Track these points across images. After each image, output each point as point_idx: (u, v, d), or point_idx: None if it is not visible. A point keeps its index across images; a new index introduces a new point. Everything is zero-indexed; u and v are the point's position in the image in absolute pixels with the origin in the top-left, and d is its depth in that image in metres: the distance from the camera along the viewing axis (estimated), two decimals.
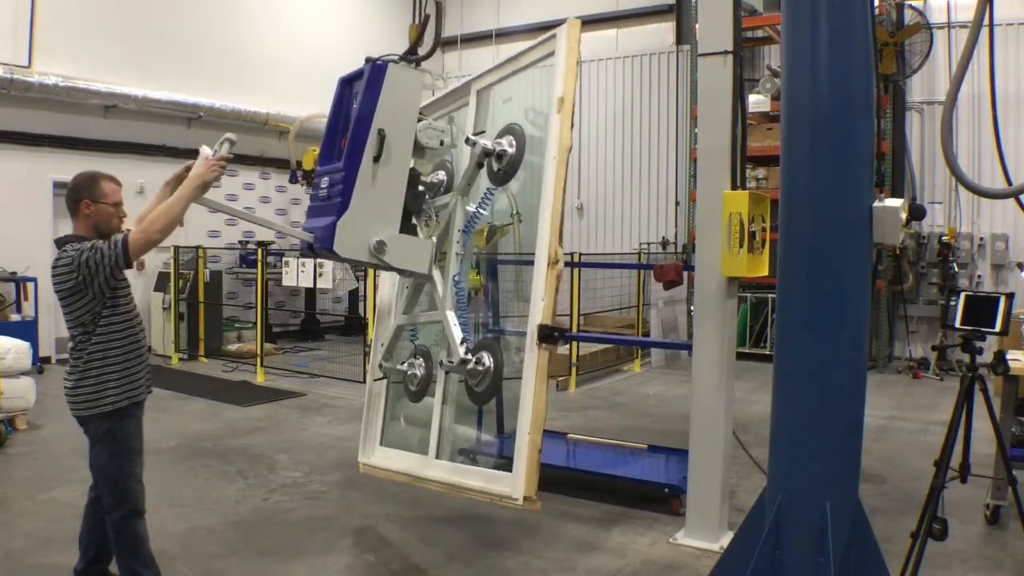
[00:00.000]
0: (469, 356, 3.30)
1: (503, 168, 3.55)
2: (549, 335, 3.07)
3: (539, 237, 3.25)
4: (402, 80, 3.32)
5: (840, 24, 2.72)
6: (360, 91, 3.32)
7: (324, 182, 3.45)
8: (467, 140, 3.57)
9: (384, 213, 3.31)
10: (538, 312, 3.15)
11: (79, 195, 3.45)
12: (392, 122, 3.28)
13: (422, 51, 3.59)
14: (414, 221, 3.65)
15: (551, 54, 3.57)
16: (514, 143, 3.55)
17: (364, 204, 3.25)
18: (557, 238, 3.19)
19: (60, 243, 3.40)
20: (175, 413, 7.71)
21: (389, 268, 3.64)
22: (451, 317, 3.51)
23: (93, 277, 3.25)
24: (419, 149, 3.45)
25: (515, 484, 3.08)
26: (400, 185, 3.34)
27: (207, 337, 10.86)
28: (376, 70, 3.28)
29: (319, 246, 3.35)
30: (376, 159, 3.23)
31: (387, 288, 4.68)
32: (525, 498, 3.04)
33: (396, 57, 3.35)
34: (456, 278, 3.62)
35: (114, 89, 10.55)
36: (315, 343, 12.65)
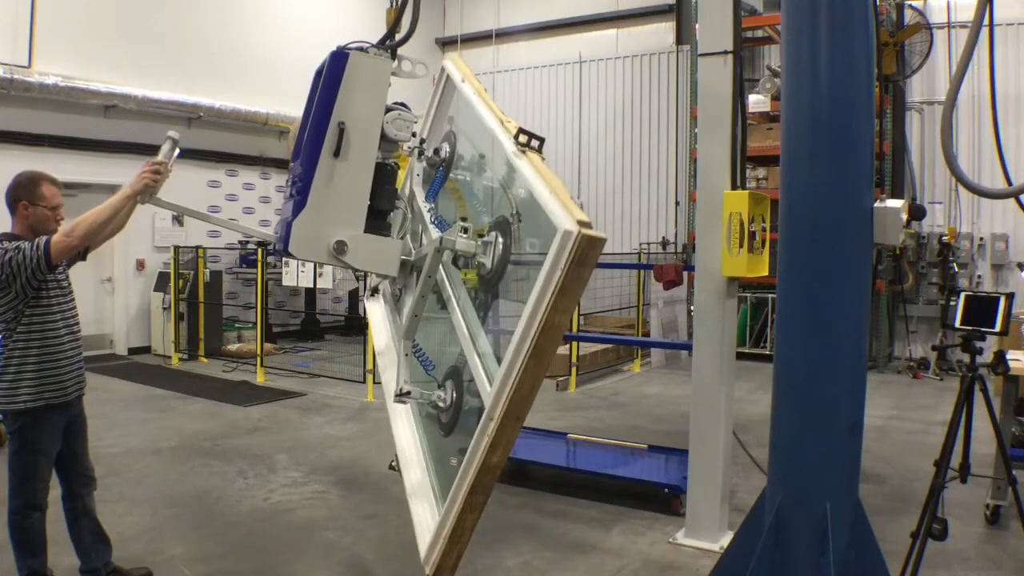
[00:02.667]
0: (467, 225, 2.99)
1: (441, 164, 3.55)
2: (528, 141, 2.73)
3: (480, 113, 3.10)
4: (366, 69, 3.09)
5: (840, 24, 2.72)
6: (321, 82, 3.12)
7: (289, 179, 3.37)
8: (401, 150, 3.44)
9: (345, 212, 3.09)
10: (504, 133, 2.82)
11: (18, 196, 3.50)
12: (354, 114, 3.07)
13: (399, 36, 3.40)
14: (389, 220, 3.42)
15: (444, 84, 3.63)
16: (447, 145, 3.55)
17: (323, 202, 3.04)
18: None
19: None
20: (175, 413, 7.71)
21: (352, 269, 3.51)
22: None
23: (15, 276, 3.34)
24: (388, 142, 3.24)
25: (560, 222, 2.35)
26: (364, 181, 3.14)
27: (207, 337, 10.86)
28: (336, 59, 3.07)
29: (279, 247, 3.24)
30: (336, 154, 3.03)
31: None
32: (580, 222, 2.31)
33: (368, 45, 3.14)
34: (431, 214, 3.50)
35: (114, 89, 10.54)
36: (315, 343, 12.65)
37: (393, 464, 3.66)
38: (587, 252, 2.32)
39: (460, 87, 3.43)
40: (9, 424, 3.51)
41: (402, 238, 3.53)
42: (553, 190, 2.51)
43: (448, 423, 3.42)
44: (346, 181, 3.10)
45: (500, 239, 2.93)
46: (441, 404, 3.37)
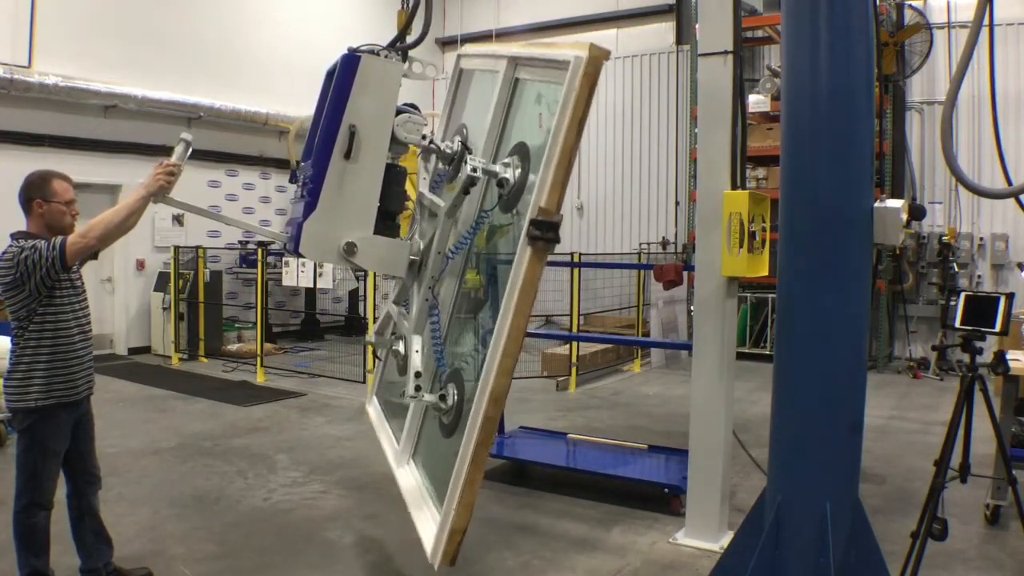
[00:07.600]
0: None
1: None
2: None
3: None
4: (377, 72, 3.12)
5: (840, 24, 2.72)
6: (333, 84, 3.14)
7: (300, 180, 3.38)
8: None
9: (356, 213, 3.13)
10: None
11: (31, 195, 3.53)
12: (365, 117, 3.09)
13: (411, 39, 3.38)
14: (398, 221, 3.45)
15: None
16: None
17: (333, 204, 3.07)
18: None
19: (13, 237, 3.49)
20: (175, 413, 7.71)
21: (361, 269, 3.53)
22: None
23: (30, 275, 3.35)
24: (398, 144, 3.25)
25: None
26: (374, 183, 3.17)
27: (207, 337, 10.86)
28: (347, 61, 3.09)
29: (289, 247, 3.26)
30: (347, 156, 3.06)
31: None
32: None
33: (379, 47, 3.16)
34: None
35: (114, 89, 10.53)
36: (315, 343, 12.64)
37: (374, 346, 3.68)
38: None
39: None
40: (19, 422, 3.51)
41: (411, 239, 3.53)
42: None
43: (449, 426, 3.41)
44: (357, 183, 3.13)
45: (519, 162, 3.02)
46: (444, 400, 3.34)
